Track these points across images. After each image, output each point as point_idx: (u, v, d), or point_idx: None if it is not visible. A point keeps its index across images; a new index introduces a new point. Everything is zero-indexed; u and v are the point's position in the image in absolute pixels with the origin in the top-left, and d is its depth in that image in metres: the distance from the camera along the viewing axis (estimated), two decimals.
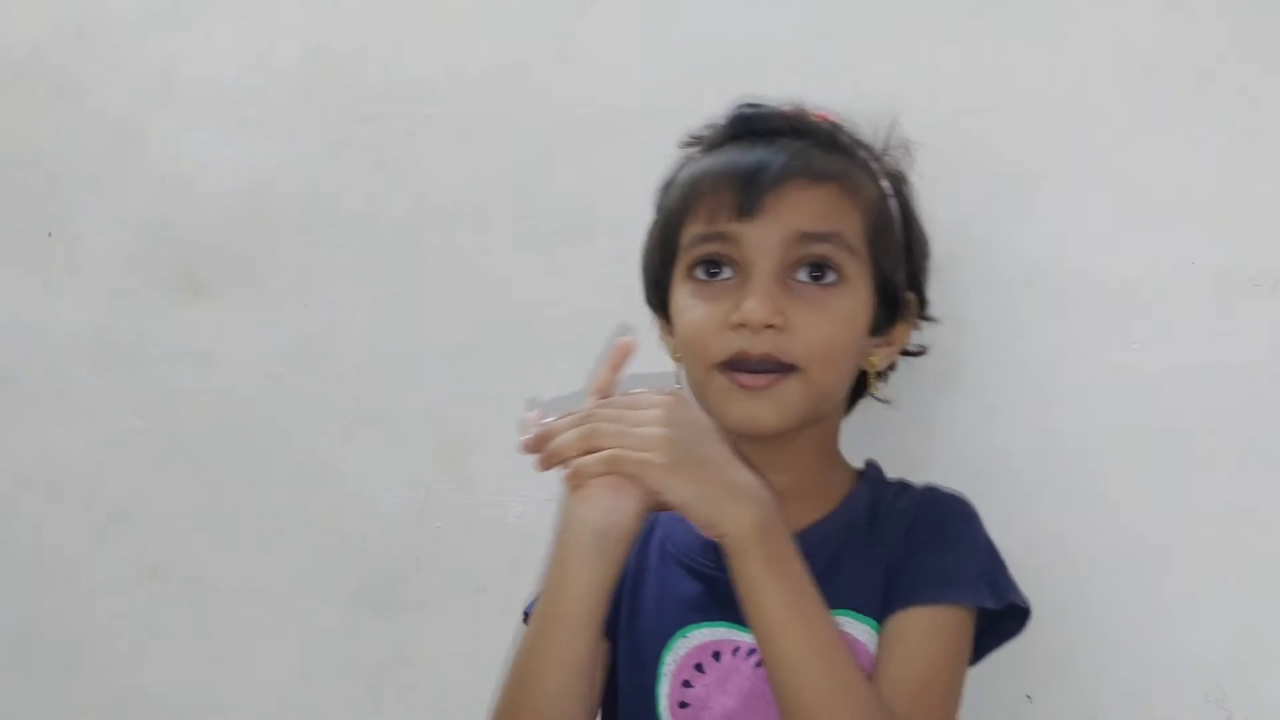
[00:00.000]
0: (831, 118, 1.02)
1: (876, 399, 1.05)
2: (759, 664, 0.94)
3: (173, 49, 1.47)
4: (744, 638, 0.95)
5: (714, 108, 1.19)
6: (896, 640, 0.92)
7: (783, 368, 0.94)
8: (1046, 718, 1.10)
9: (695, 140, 1.06)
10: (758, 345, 0.93)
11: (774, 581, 0.86)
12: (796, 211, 0.94)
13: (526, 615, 1.05)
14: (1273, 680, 1.04)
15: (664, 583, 1.00)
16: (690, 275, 0.98)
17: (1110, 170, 1.10)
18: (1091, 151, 1.10)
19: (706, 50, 1.25)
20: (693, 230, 0.97)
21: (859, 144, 1.03)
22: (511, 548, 1.31)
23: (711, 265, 0.97)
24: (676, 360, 1.04)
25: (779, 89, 1.18)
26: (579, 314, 1.29)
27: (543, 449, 0.88)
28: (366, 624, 1.37)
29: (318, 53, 1.41)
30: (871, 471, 1.05)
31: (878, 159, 1.03)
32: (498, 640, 1.30)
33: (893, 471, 1.07)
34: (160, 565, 1.46)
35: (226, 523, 1.43)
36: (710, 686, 0.96)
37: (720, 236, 0.96)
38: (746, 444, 0.96)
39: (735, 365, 0.94)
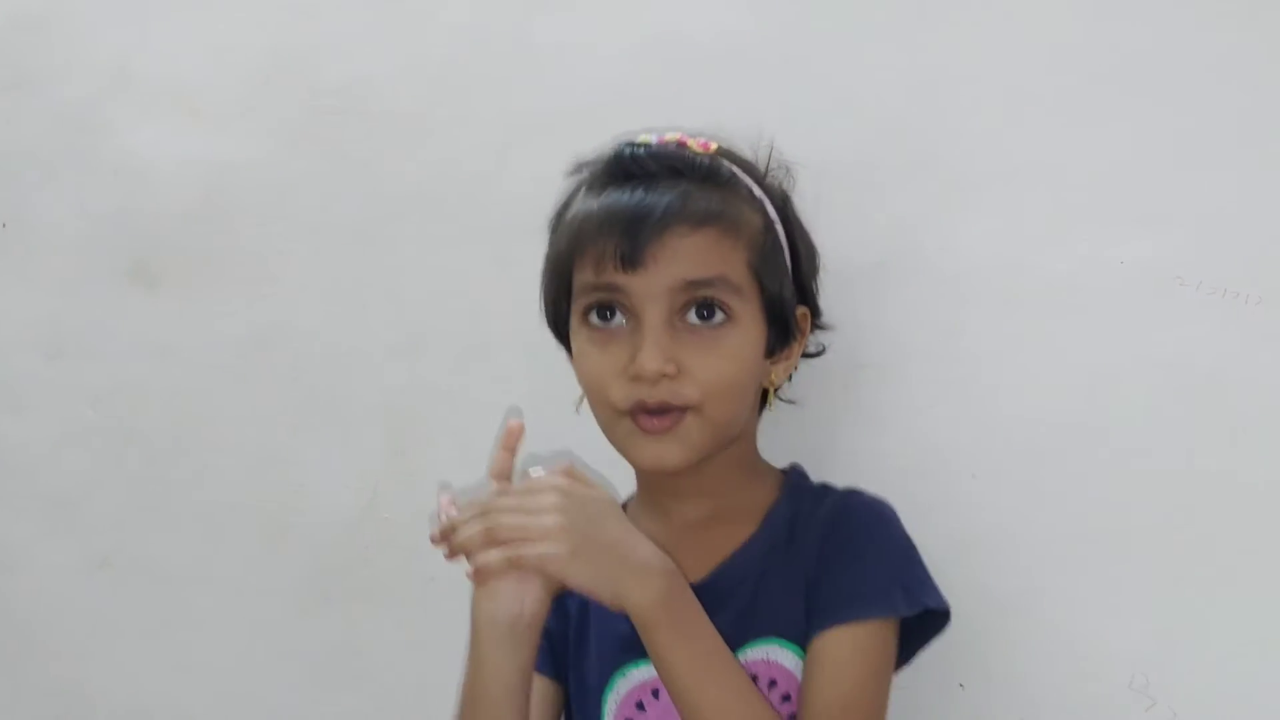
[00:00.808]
0: (712, 147, 1.04)
1: (782, 400, 1.07)
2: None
3: (129, 41, 1.47)
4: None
5: (667, 109, 1.22)
6: (817, 665, 0.95)
7: (680, 410, 0.97)
8: (978, 705, 1.12)
9: (579, 169, 1.07)
10: (654, 394, 0.96)
11: (682, 648, 0.89)
12: (679, 260, 0.96)
13: None
14: (1194, 667, 1.06)
15: (604, 622, 1.02)
16: (585, 320, 1.00)
17: (1044, 171, 1.12)
18: (1026, 152, 1.13)
19: (660, 48, 1.27)
20: (582, 277, 0.99)
21: (739, 171, 1.03)
22: None
23: (605, 309, 0.99)
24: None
25: (731, 87, 1.21)
26: (529, 309, 1.29)
27: (448, 541, 0.92)
28: (316, 614, 1.38)
29: (274, 47, 1.42)
30: (794, 478, 1.07)
31: (760, 181, 1.05)
32: (446, 630, 1.31)
33: (831, 469, 1.09)
34: (110, 555, 1.46)
35: (177, 513, 1.44)
36: None
37: (608, 287, 0.98)
38: (663, 478, 1.01)
39: (633, 413, 0.97)
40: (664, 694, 0.97)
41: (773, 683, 0.97)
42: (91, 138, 1.48)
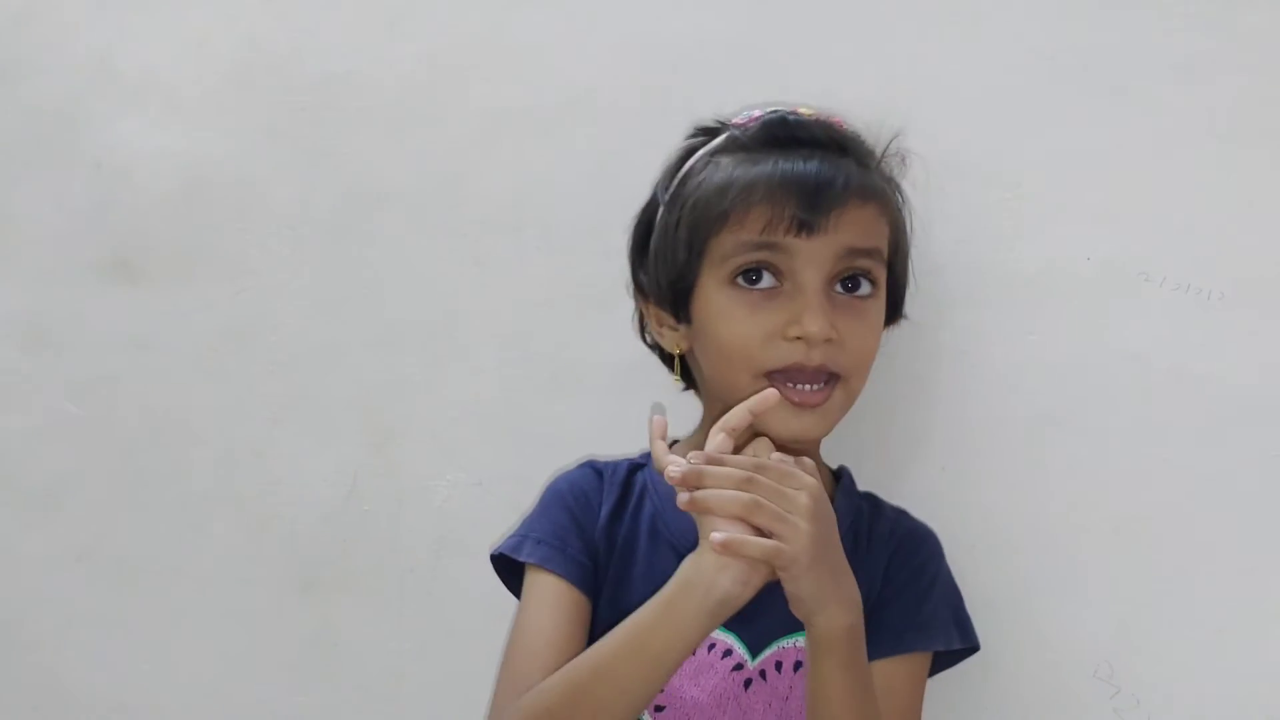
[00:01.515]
0: (847, 126, 1.04)
1: None
2: (735, 667, 0.99)
3: (109, 36, 1.47)
4: (724, 638, 0.99)
5: (645, 105, 1.23)
6: (881, 692, 0.95)
7: (830, 379, 0.97)
8: (948, 695, 1.12)
9: (704, 133, 1.06)
10: (813, 357, 0.96)
11: (845, 678, 0.89)
12: (849, 229, 0.97)
13: (502, 557, 1.06)
14: (1156, 656, 1.09)
15: (653, 563, 1.01)
16: (732, 282, 0.98)
17: (1010, 169, 1.14)
18: (993, 151, 1.15)
19: (638, 46, 1.28)
20: (740, 237, 0.97)
21: (873, 155, 1.05)
22: (437, 531, 1.33)
23: (754, 272, 0.98)
24: (675, 351, 1.05)
25: (707, 86, 1.22)
26: (504, 304, 1.32)
27: (692, 488, 0.88)
28: (294, 606, 1.38)
29: (253, 43, 1.42)
30: (846, 482, 1.08)
31: (882, 168, 1.06)
32: (424, 622, 1.34)
33: None
34: (88, 548, 1.46)
35: (156, 506, 1.44)
36: (684, 678, 0.99)
37: (772, 247, 0.97)
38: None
39: (786, 375, 0.97)
40: (701, 651, 0.99)
41: None
42: (71, 132, 1.48)
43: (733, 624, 0.96)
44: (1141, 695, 1.09)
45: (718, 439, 0.91)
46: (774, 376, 0.97)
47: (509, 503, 1.27)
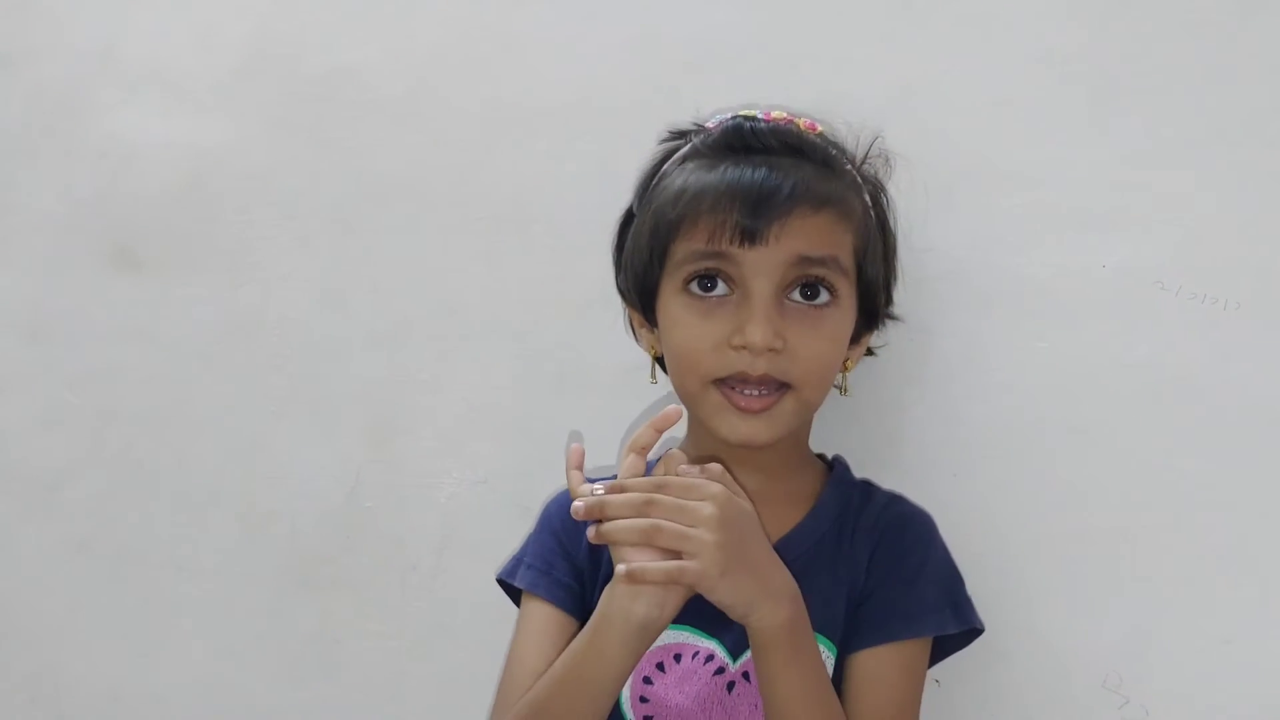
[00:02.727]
0: (819, 129, 1.04)
1: (835, 388, 1.08)
2: (717, 671, 0.99)
3: (114, 25, 1.47)
4: (705, 643, 1.00)
5: (649, 102, 1.22)
6: (867, 681, 0.97)
7: (779, 387, 0.97)
8: (954, 703, 1.14)
9: (677, 135, 1.07)
10: (757, 366, 0.96)
11: (793, 671, 0.90)
12: (798, 237, 0.96)
13: (503, 583, 1.09)
14: (1166, 666, 1.08)
15: None
16: (684, 289, 0.99)
17: (1026, 174, 1.13)
18: (1008, 155, 1.14)
19: (645, 44, 1.27)
20: (690, 246, 0.98)
21: (845, 159, 1.05)
22: (441, 528, 1.32)
23: (707, 279, 0.98)
24: (653, 355, 1.07)
25: (714, 85, 1.21)
26: (510, 300, 1.31)
27: (595, 519, 0.89)
28: (295, 601, 1.38)
29: (259, 34, 1.41)
30: (839, 471, 1.08)
31: (859, 171, 1.06)
32: (426, 620, 1.33)
33: None
34: (88, 540, 1.46)
35: (156, 498, 1.43)
36: (669, 686, 0.99)
37: (719, 256, 0.97)
38: (730, 450, 1.00)
39: (731, 383, 0.97)
40: (685, 659, 1.00)
41: None
42: (75, 121, 1.48)
43: (713, 629, 0.99)
44: (1150, 705, 1.08)
45: (628, 460, 0.94)
46: (720, 385, 0.98)
47: (513, 500, 1.27)
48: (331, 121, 1.38)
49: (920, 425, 1.16)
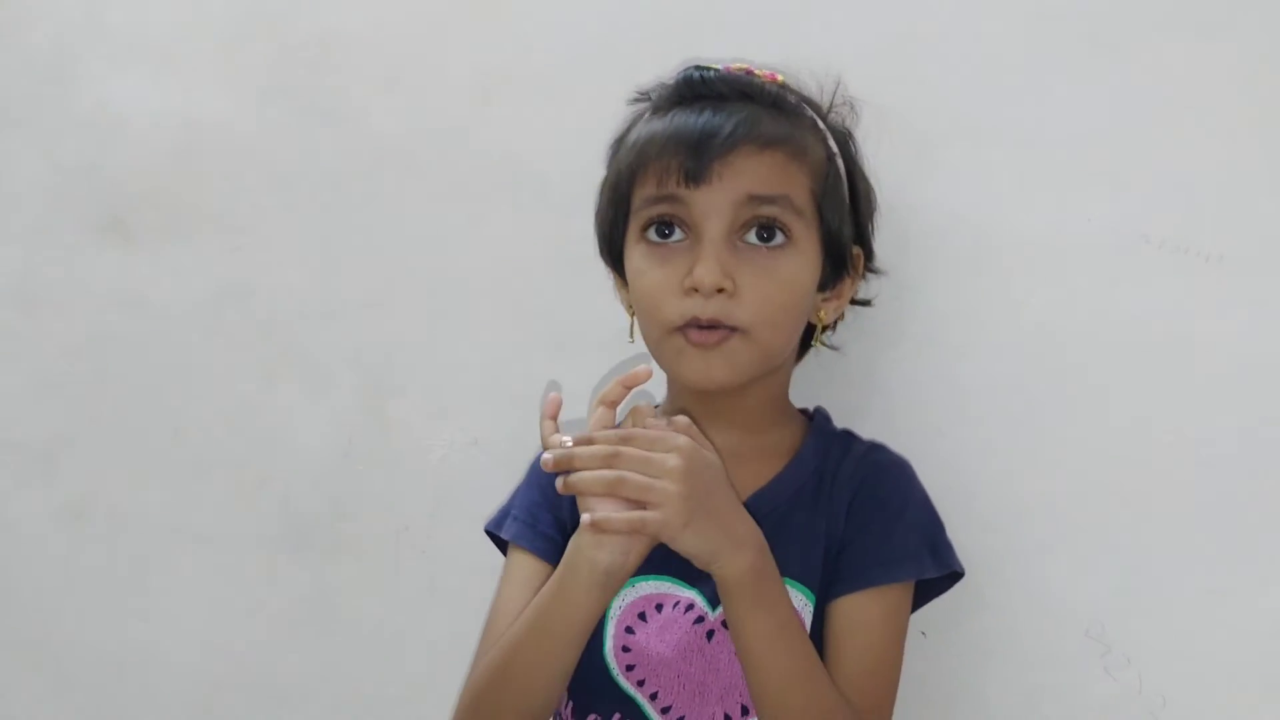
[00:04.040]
0: (778, 78, 1.05)
1: (826, 346, 1.09)
2: (697, 620, 1.00)
3: None
4: (685, 593, 1.01)
5: (639, 64, 1.22)
6: (848, 627, 0.98)
7: (729, 330, 0.98)
8: (940, 653, 1.15)
9: (643, 97, 1.08)
10: (707, 309, 0.96)
11: (760, 617, 0.91)
12: (745, 176, 0.97)
13: (490, 534, 1.11)
14: (1148, 616, 1.09)
15: None
16: (643, 236, 1.01)
17: (1014, 131, 1.13)
18: (994, 112, 1.14)
19: (632, 5, 1.27)
20: (643, 192, 1.00)
21: (805, 104, 1.05)
22: (433, 490, 1.34)
23: (663, 226, 1.00)
24: (631, 314, 1.07)
25: (700, 45, 1.21)
26: (500, 263, 1.32)
27: (563, 470, 0.91)
28: (289, 565, 1.39)
29: (247, 1, 1.41)
30: (819, 422, 1.09)
31: (823, 118, 1.06)
32: (419, 580, 1.34)
33: None
34: (85, 506, 1.47)
35: (151, 465, 1.45)
36: (650, 635, 1.01)
37: (670, 199, 0.98)
38: (700, 400, 1.02)
39: (687, 330, 0.98)
40: (666, 609, 1.01)
41: None
42: (63, 90, 1.48)
43: (693, 579, 1.00)
44: (1133, 654, 1.09)
45: (597, 413, 0.95)
46: (679, 332, 0.99)
47: (505, 462, 1.27)
48: (320, 88, 1.38)
49: (907, 382, 1.17)
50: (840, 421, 1.11)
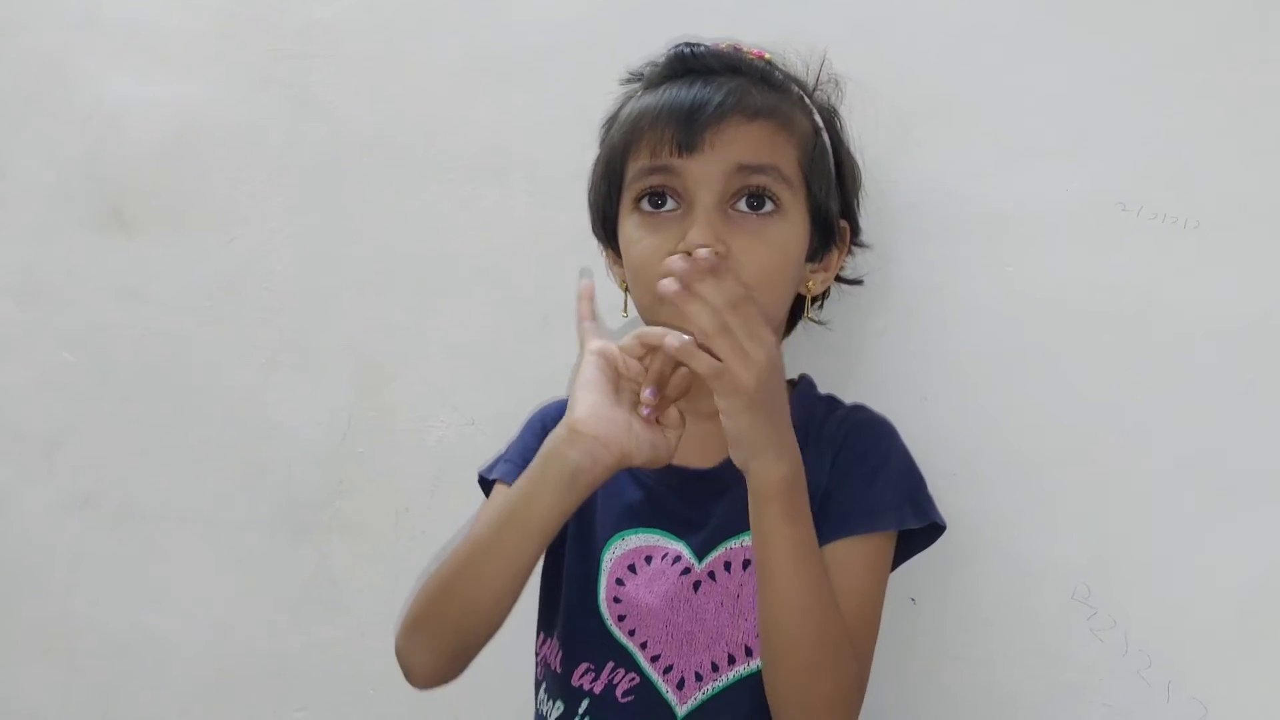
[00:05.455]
0: (766, 55, 1.07)
1: (814, 321, 1.11)
2: (684, 571, 1.03)
3: None
4: (673, 545, 1.04)
5: (627, 46, 1.23)
6: (835, 569, 0.98)
7: None
8: (929, 618, 1.17)
9: (635, 77, 1.10)
10: None
11: (789, 533, 0.92)
12: (735, 145, 0.99)
13: (481, 480, 1.13)
14: (1132, 578, 1.11)
15: (610, 488, 1.04)
16: (637, 207, 1.03)
17: (992, 105, 1.15)
18: (971, 83, 1.16)
19: None
20: (637, 164, 1.02)
21: (792, 80, 1.08)
22: (431, 470, 1.36)
23: (656, 197, 1.02)
24: (624, 289, 1.09)
25: (684, 25, 1.21)
26: (492, 246, 1.34)
27: (683, 296, 0.88)
28: (291, 547, 1.42)
29: None
30: (803, 387, 1.11)
31: (809, 94, 1.08)
32: (419, 560, 1.36)
33: None
34: (90, 495, 1.49)
35: (155, 453, 1.47)
36: (639, 586, 1.03)
37: (663, 169, 1.00)
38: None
39: None
40: (655, 561, 1.03)
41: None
42: (62, 84, 1.50)
43: (680, 532, 1.03)
44: (1118, 616, 1.11)
45: (633, 343, 0.97)
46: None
47: (501, 441, 1.28)
48: (312, 76, 1.41)
49: (890, 352, 1.18)
50: (825, 388, 1.12)
